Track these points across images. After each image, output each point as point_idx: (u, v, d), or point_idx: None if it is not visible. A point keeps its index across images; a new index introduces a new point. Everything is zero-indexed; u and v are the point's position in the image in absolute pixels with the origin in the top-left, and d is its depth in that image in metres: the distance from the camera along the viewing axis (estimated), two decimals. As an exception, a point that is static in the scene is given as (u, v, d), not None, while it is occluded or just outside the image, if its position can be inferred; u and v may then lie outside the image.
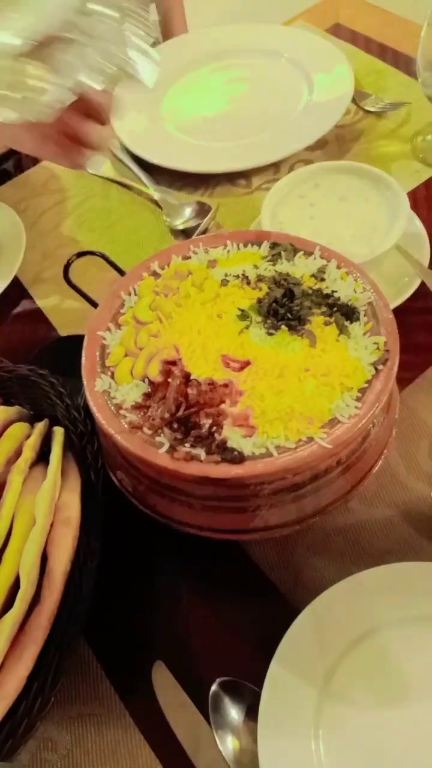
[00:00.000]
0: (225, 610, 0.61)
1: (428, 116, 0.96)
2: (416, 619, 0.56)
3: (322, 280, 0.59)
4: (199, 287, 0.59)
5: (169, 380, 0.53)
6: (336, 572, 0.61)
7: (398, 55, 1.08)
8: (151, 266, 0.62)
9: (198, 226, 0.86)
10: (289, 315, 0.55)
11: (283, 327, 0.54)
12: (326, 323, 0.55)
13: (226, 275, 0.60)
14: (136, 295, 0.61)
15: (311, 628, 0.56)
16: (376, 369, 0.52)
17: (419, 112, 0.98)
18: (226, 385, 0.52)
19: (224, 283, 0.59)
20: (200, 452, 0.49)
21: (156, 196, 0.93)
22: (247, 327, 0.55)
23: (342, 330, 0.55)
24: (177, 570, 0.63)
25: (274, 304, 0.56)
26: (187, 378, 0.53)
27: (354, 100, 1.00)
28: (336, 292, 0.58)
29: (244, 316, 0.56)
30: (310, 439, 0.49)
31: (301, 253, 0.61)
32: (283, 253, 0.61)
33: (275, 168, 0.95)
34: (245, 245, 0.63)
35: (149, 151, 0.96)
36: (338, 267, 0.60)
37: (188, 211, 0.90)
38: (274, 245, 0.62)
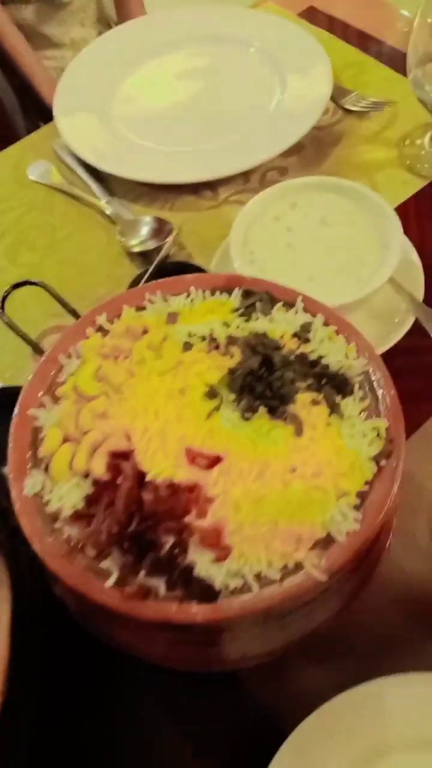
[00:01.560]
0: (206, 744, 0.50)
1: (417, 117, 0.85)
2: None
3: (307, 341, 0.48)
4: (157, 351, 0.48)
5: (118, 481, 0.42)
6: (328, 680, 0.51)
7: (381, 45, 0.96)
8: (97, 320, 0.51)
9: (158, 248, 0.74)
10: (268, 392, 0.44)
11: (261, 409, 0.43)
12: (314, 402, 0.44)
13: (189, 335, 0.48)
14: (78, 358, 0.49)
15: (301, 754, 0.46)
16: (377, 464, 0.42)
17: (406, 112, 0.87)
18: (191, 489, 0.41)
19: (187, 347, 0.47)
20: (159, 584, 0.39)
21: (108, 210, 0.81)
22: (216, 408, 0.44)
23: (333, 409, 0.44)
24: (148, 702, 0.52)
25: (249, 378, 0.45)
26: (141, 478, 0.42)
27: (332, 98, 0.88)
28: (323, 357, 0.47)
29: (212, 394, 0.45)
30: (299, 566, 0.38)
31: (280, 304, 0.50)
32: (258, 304, 0.50)
33: (245, 177, 0.83)
34: (212, 293, 0.52)
35: (100, 156, 0.84)
36: (326, 324, 0.49)
37: (146, 230, 0.78)
38: (247, 293, 0.51)
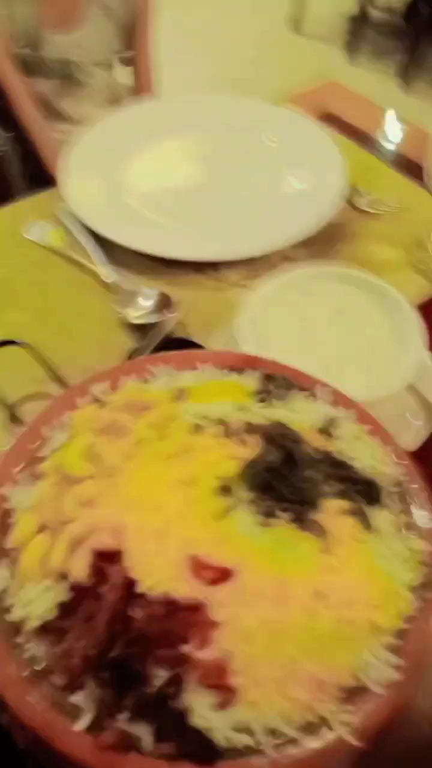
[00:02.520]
0: None
1: (429, 223, 0.84)
2: None
3: (330, 436, 0.42)
4: (161, 431, 0.41)
5: (100, 590, 0.34)
6: None
7: (392, 153, 0.97)
8: (93, 389, 0.44)
9: (159, 322, 0.68)
10: (290, 495, 0.37)
11: (283, 515, 0.36)
12: (343, 511, 0.37)
13: (200, 417, 0.42)
14: (65, 431, 0.42)
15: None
16: (417, 595, 0.35)
17: (417, 217, 0.86)
18: (193, 609, 0.33)
19: (197, 429, 0.41)
20: (144, 733, 0.30)
21: (108, 278, 0.76)
22: (230, 509, 0.37)
23: (363, 522, 0.37)
24: None
25: (268, 475, 0.38)
26: (129, 588, 0.34)
27: (346, 197, 0.87)
28: (352, 459, 0.41)
29: (225, 490, 0.38)
30: (323, 721, 0.30)
31: (302, 393, 0.44)
32: (273, 388, 0.44)
33: (251, 264, 0.80)
34: (225, 372, 0.46)
35: (104, 222, 0.79)
36: (357, 421, 0.43)
37: (146, 302, 0.73)
38: (266, 377, 0.45)
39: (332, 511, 0.37)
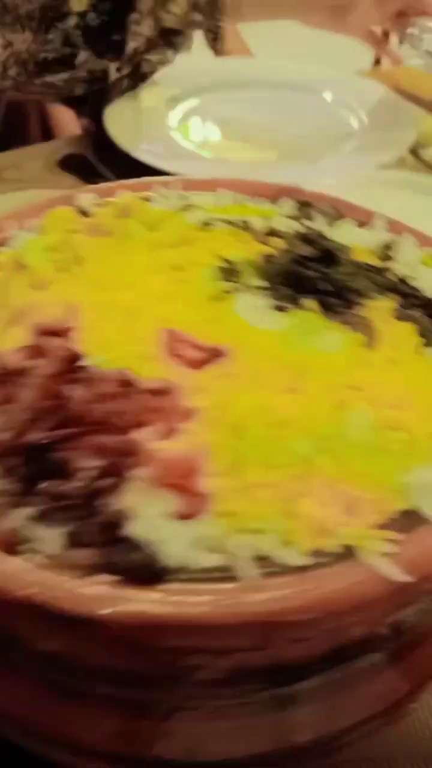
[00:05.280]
0: None
1: None
2: None
3: (388, 258, 0.31)
4: (152, 227, 0.31)
5: (31, 367, 0.23)
6: None
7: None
8: (77, 199, 0.34)
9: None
10: (324, 285, 0.26)
11: (308, 302, 0.25)
12: (398, 316, 0.26)
13: (209, 219, 0.31)
14: (35, 232, 0.32)
15: None
16: None
17: None
18: (159, 391, 0.22)
19: (206, 226, 0.30)
20: (50, 536, 0.18)
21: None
22: (231, 291, 0.26)
23: (428, 340, 0.26)
24: None
25: (296, 267, 0.27)
26: (71, 362, 0.23)
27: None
28: (415, 280, 0.29)
29: (229, 272, 0.27)
30: (350, 552, 0.18)
31: (347, 221, 0.33)
32: (316, 215, 0.33)
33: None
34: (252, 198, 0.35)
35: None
36: (419, 245, 0.31)
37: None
38: (306, 204, 0.34)
39: (382, 310, 0.26)
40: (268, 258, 0.28)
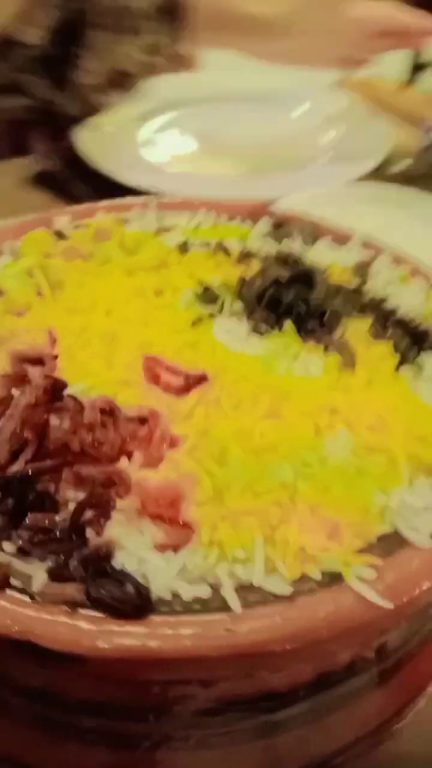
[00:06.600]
0: None
1: None
2: None
3: (365, 277, 0.31)
4: (130, 251, 0.31)
5: (14, 392, 0.23)
6: None
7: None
8: (55, 221, 0.34)
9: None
10: (302, 306, 0.26)
11: (287, 324, 0.25)
12: (376, 335, 0.26)
13: (186, 242, 0.31)
14: (11, 255, 0.32)
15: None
16: None
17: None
18: (143, 419, 0.22)
19: (183, 249, 0.30)
20: (35, 570, 0.18)
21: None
22: (209, 316, 0.26)
23: (405, 358, 0.26)
24: None
25: (273, 289, 0.27)
26: (52, 390, 0.23)
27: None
28: (387, 299, 0.30)
29: (209, 297, 0.27)
30: (334, 579, 0.18)
31: (328, 239, 0.34)
32: (296, 235, 0.34)
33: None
34: (230, 220, 0.36)
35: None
36: (395, 264, 0.32)
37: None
38: (283, 222, 0.35)
39: (360, 333, 0.26)
40: (245, 281, 0.28)
